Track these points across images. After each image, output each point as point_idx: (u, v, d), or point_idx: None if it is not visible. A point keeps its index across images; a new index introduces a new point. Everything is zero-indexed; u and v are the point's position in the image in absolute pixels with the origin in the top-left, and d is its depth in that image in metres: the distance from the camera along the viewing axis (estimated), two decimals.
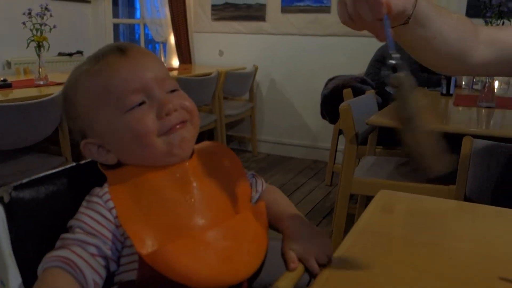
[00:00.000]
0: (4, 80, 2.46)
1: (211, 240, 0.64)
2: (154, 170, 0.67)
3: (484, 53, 0.82)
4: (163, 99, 0.66)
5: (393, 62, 0.59)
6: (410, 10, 0.68)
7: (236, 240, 0.66)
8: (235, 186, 0.74)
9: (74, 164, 0.71)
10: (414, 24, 0.71)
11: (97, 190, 0.66)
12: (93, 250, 0.61)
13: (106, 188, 0.66)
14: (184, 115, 0.68)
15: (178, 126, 0.67)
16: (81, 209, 0.65)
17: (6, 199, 0.60)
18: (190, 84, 3.12)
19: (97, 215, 0.63)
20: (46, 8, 2.53)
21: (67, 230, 0.64)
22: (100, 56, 0.68)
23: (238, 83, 3.74)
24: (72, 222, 0.64)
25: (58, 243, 0.62)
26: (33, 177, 0.64)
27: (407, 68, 0.59)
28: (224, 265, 0.63)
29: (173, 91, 0.70)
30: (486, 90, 2.15)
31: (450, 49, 0.78)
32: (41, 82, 2.60)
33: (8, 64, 3.62)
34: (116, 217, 0.63)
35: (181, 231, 0.64)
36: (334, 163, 3.24)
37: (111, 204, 0.64)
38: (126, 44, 0.70)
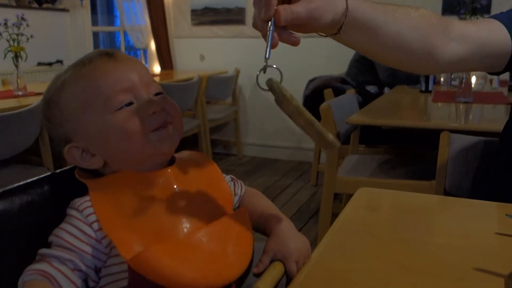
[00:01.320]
0: None
1: (195, 243, 0.64)
2: (136, 177, 0.67)
3: (457, 49, 0.80)
4: (150, 100, 0.68)
5: (267, 66, 0.61)
6: (340, 19, 0.66)
7: (220, 243, 0.66)
8: (216, 191, 0.74)
9: (49, 173, 0.70)
10: (356, 31, 0.69)
11: (77, 202, 0.65)
12: (71, 265, 0.62)
13: (86, 198, 0.65)
14: (168, 116, 0.69)
15: (163, 126, 0.68)
16: (62, 224, 0.64)
17: None
18: (172, 89, 3.11)
19: (76, 230, 0.63)
20: (22, 18, 2.50)
21: (45, 241, 0.63)
22: (87, 61, 0.69)
23: (221, 87, 3.74)
24: (51, 238, 0.64)
25: (37, 258, 0.62)
26: (6, 188, 0.63)
27: (280, 73, 0.62)
28: (209, 267, 0.63)
29: (157, 94, 0.71)
30: (463, 85, 2.19)
31: (412, 49, 0.76)
32: (20, 93, 2.57)
33: None
34: (97, 230, 0.63)
35: (165, 235, 0.64)
36: (318, 163, 3.25)
37: (92, 218, 0.63)
38: (112, 50, 0.72)
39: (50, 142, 2.23)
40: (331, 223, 1.97)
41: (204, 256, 0.64)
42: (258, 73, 0.61)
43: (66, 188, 0.69)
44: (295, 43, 0.61)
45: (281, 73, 0.62)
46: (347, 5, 0.66)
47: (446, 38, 0.80)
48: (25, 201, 0.64)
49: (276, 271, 0.67)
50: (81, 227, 0.63)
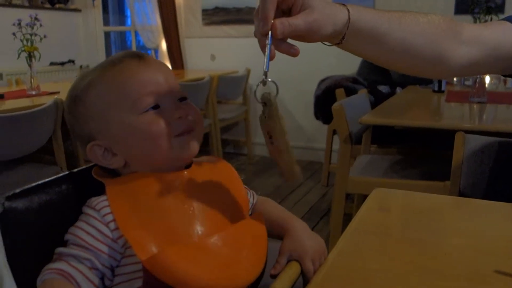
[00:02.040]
0: None
1: (211, 247, 0.64)
2: (153, 178, 0.68)
3: (468, 53, 0.79)
4: (176, 105, 0.70)
5: (266, 79, 0.61)
6: (342, 30, 0.65)
7: (235, 248, 0.66)
8: (233, 196, 0.74)
9: (67, 172, 0.71)
10: (361, 40, 0.69)
11: (94, 201, 0.65)
12: (88, 264, 0.62)
13: (103, 197, 0.66)
14: (192, 123, 0.71)
15: (187, 132, 0.69)
16: (78, 222, 0.65)
17: (0, 209, 0.59)
18: (183, 89, 3.11)
19: (93, 229, 0.63)
20: (36, 18, 2.52)
21: (62, 240, 0.64)
22: (116, 61, 0.70)
23: (231, 86, 3.74)
24: (68, 236, 0.64)
25: (55, 257, 0.62)
26: (26, 187, 0.64)
27: (277, 88, 0.63)
28: (224, 271, 0.63)
29: (182, 99, 0.72)
30: (477, 85, 2.17)
31: (420, 55, 0.75)
32: (33, 92, 2.59)
33: (0, 75, 3.61)
34: (114, 230, 0.63)
35: (180, 237, 0.64)
36: (329, 164, 3.24)
37: (109, 217, 0.64)
38: (142, 53, 0.73)
39: (63, 141, 2.25)
40: (343, 223, 1.97)
41: (219, 260, 0.64)
42: (256, 86, 0.61)
43: (83, 187, 0.70)
44: (294, 54, 0.62)
45: (277, 87, 0.63)
46: (349, 16, 0.65)
47: (456, 43, 0.78)
48: (43, 200, 0.65)
49: (292, 271, 0.67)
50: (98, 226, 0.63)
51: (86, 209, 0.65)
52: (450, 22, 0.78)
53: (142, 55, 0.72)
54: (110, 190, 0.66)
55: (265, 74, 0.61)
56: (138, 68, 0.69)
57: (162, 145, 0.67)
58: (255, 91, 0.61)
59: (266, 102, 0.62)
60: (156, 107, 0.68)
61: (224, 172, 0.77)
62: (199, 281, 0.61)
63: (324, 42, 0.68)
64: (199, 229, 0.66)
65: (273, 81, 0.62)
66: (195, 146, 0.70)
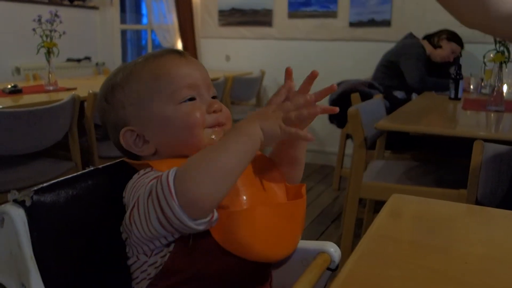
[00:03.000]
0: (15, 86, 2.48)
1: (259, 216, 0.67)
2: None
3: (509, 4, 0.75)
4: (211, 100, 0.74)
5: None
6: None
7: (283, 220, 0.70)
8: (270, 172, 0.76)
9: (93, 168, 0.72)
10: None
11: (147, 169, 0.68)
12: None
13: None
14: (224, 119, 0.74)
15: (218, 125, 0.73)
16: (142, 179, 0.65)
17: (28, 203, 0.60)
18: None
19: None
20: (56, 15, 2.55)
21: (88, 235, 0.65)
22: (159, 55, 0.75)
23: (245, 88, 3.75)
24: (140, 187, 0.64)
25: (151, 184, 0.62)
26: (53, 181, 0.65)
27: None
28: (275, 240, 0.68)
29: (214, 97, 0.76)
30: (495, 93, 2.15)
31: None
32: (51, 88, 2.62)
33: (18, 70, 3.65)
34: None
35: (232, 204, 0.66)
36: (341, 168, 3.23)
37: None
38: (182, 50, 0.79)
39: (78, 138, 2.27)
40: (355, 227, 1.96)
41: (268, 229, 0.67)
42: None
43: (109, 183, 0.71)
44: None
45: None
46: None
47: None
48: (70, 194, 0.66)
49: (312, 274, 0.67)
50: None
51: (143, 172, 0.67)
52: None
53: (183, 52, 0.77)
54: (156, 167, 0.67)
55: None
56: (179, 62, 0.74)
57: (196, 134, 0.70)
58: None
59: None
60: (192, 99, 0.72)
61: (259, 157, 0.78)
62: (253, 247, 0.64)
63: None
64: (245, 201, 0.68)
65: None
66: None
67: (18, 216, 0.59)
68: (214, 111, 0.73)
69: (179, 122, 0.70)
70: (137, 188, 0.64)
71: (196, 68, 0.75)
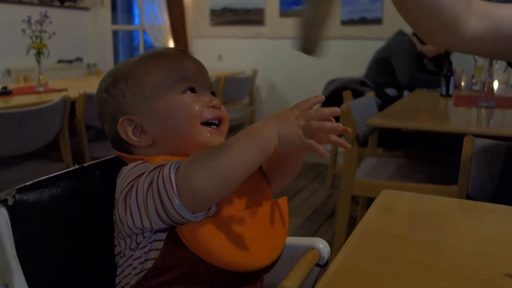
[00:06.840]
0: (4, 88, 2.46)
1: (235, 223, 0.65)
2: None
3: (477, 26, 0.79)
4: (211, 96, 0.75)
5: None
6: None
7: (260, 228, 0.68)
8: (258, 179, 0.75)
9: (78, 166, 0.71)
10: None
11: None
12: None
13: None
14: (221, 115, 0.75)
15: (215, 120, 0.73)
16: (135, 169, 0.64)
17: (10, 201, 0.59)
18: None
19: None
20: (45, 15, 2.53)
21: (71, 234, 0.64)
22: (162, 50, 0.78)
23: (238, 87, 3.75)
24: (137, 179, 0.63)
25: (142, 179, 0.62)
26: (36, 180, 0.64)
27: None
28: (245, 249, 0.65)
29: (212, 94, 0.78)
30: (485, 90, 2.16)
31: (441, 14, 0.76)
32: (41, 89, 2.60)
33: (8, 71, 3.63)
34: None
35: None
36: (335, 166, 3.23)
37: None
38: (184, 49, 0.81)
39: (70, 138, 2.26)
40: (348, 225, 1.96)
41: (242, 237, 0.65)
42: None
43: (93, 182, 0.70)
44: None
45: None
46: None
47: (469, 11, 0.78)
48: (54, 193, 0.65)
49: (301, 270, 0.67)
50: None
51: (135, 163, 0.66)
52: None
53: (184, 50, 0.79)
54: (152, 162, 0.66)
55: None
56: (182, 57, 0.75)
57: (194, 125, 0.70)
58: None
59: None
60: (193, 90, 0.73)
61: None
62: (219, 255, 0.62)
63: None
64: (227, 208, 0.66)
65: None
66: (221, 139, 0.74)
67: (0, 215, 0.58)
68: (213, 106, 0.73)
69: (180, 111, 0.70)
70: (138, 170, 0.63)
71: (197, 64, 0.77)
